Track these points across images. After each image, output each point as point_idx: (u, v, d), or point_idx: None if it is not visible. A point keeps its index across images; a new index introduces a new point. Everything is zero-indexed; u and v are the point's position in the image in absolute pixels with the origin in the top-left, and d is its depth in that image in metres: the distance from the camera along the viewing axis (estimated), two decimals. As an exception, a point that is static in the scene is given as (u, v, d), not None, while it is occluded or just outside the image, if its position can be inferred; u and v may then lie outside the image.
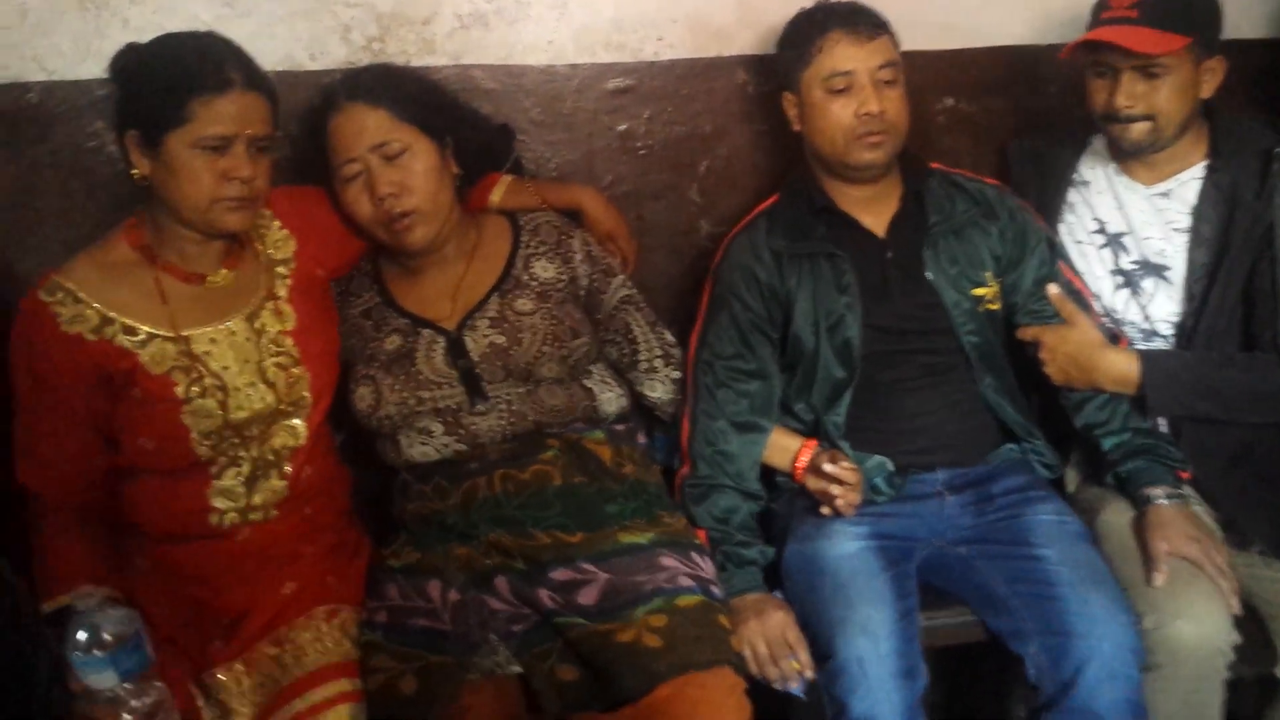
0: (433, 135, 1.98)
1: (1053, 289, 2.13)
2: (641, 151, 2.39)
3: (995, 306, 2.14)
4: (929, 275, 2.11)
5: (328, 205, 2.01)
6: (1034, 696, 1.87)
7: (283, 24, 2.17)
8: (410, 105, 1.96)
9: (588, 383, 2.05)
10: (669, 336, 2.17)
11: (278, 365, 1.89)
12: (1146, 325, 2.16)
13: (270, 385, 1.87)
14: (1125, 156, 2.18)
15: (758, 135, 2.42)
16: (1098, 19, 2.10)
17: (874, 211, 2.16)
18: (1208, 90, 2.11)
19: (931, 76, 2.43)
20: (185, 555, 1.87)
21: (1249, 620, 1.93)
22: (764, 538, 2.06)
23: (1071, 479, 2.25)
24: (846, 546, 1.96)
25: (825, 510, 2.02)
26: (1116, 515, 2.05)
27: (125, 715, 1.53)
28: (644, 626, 1.76)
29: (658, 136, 2.39)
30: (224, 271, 1.89)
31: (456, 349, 1.98)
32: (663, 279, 2.41)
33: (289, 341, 1.90)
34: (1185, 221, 2.13)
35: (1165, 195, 2.16)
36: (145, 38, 1.84)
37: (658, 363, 2.14)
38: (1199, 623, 1.84)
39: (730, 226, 2.28)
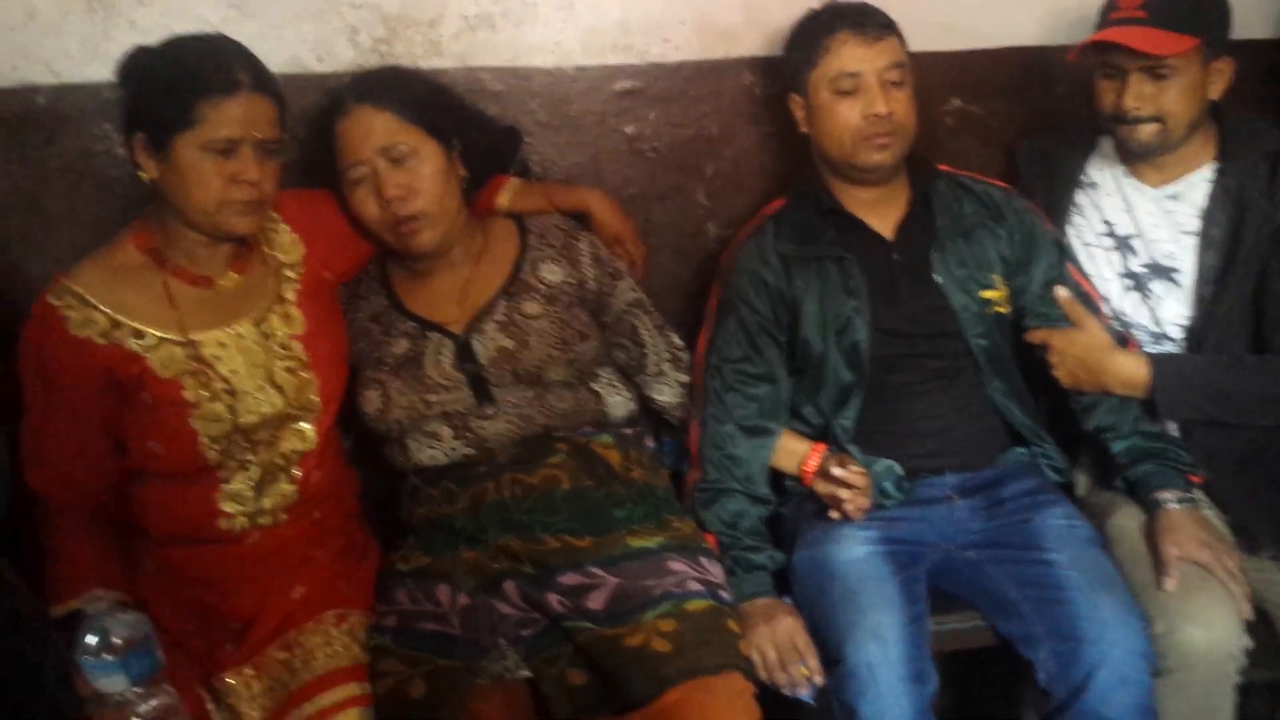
0: (440, 138, 1.97)
1: (1061, 292, 2.12)
2: (648, 154, 2.38)
3: (1004, 309, 2.14)
4: (937, 278, 2.10)
5: (335, 208, 2.01)
6: (1044, 701, 1.87)
7: (290, 26, 2.17)
8: (417, 108, 1.96)
9: (596, 386, 2.05)
10: (677, 340, 2.17)
11: (286, 369, 1.88)
12: (1156, 328, 2.15)
13: (279, 389, 1.87)
14: (1133, 158, 2.17)
15: (765, 137, 2.42)
16: (1106, 20, 2.09)
17: (881, 214, 2.16)
18: (1216, 91, 2.10)
19: (939, 77, 2.42)
20: (194, 559, 1.87)
21: (1260, 625, 1.92)
22: (773, 542, 2.06)
23: (1081, 483, 2.24)
24: (855, 551, 1.96)
25: (834, 514, 2.01)
26: (1127, 519, 2.05)
27: (134, 719, 1.53)
28: (653, 631, 1.76)
29: (665, 138, 2.38)
30: (232, 275, 1.89)
31: (464, 353, 1.97)
32: (670, 281, 2.40)
33: (297, 345, 1.90)
34: (1194, 224, 2.13)
35: (1174, 197, 2.15)
36: (153, 40, 1.84)
37: (666, 366, 2.14)
38: (1210, 627, 1.84)
39: (737, 229, 2.29)
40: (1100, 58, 2.09)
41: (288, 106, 1.87)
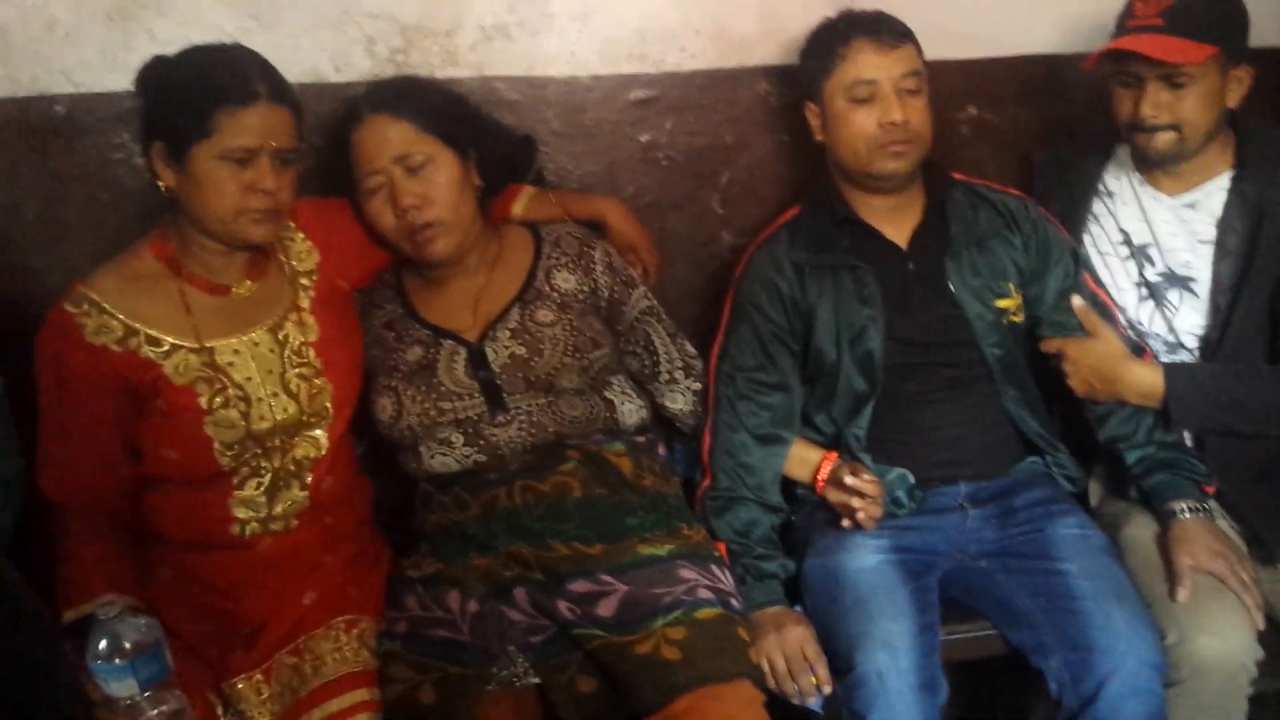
0: (455, 147, 1.99)
1: (1076, 301, 2.11)
2: (663, 162, 2.39)
3: (1018, 318, 2.13)
4: (951, 287, 2.10)
5: (351, 217, 2.02)
6: (1055, 711, 1.86)
7: (308, 36, 2.19)
8: (433, 117, 1.97)
9: (608, 394, 2.05)
10: (690, 348, 2.17)
11: (300, 376, 1.90)
12: (1171, 338, 2.14)
13: (293, 396, 1.88)
14: (1150, 167, 2.16)
15: (780, 146, 2.42)
16: (1123, 28, 2.08)
17: (896, 222, 2.15)
18: (1234, 100, 2.09)
19: (955, 86, 2.42)
20: (206, 565, 1.88)
21: (1273, 635, 1.91)
22: (784, 550, 2.06)
23: (1095, 492, 2.23)
24: (867, 560, 1.95)
25: (846, 523, 2.01)
26: (1140, 529, 2.04)
27: (143, 723, 1.55)
28: (662, 638, 1.76)
29: (680, 147, 2.39)
30: (248, 283, 1.90)
31: (477, 360, 1.98)
32: (684, 290, 2.41)
33: (312, 353, 1.91)
34: (1211, 233, 2.11)
35: (1191, 206, 2.14)
36: (171, 50, 1.85)
37: (678, 374, 2.14)
38: (1223, 638, 1.82)
39: (752, 237, 2.28)
40: (1117, 66, 2.08)
41: (305, 116, 1.88)
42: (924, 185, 2.18)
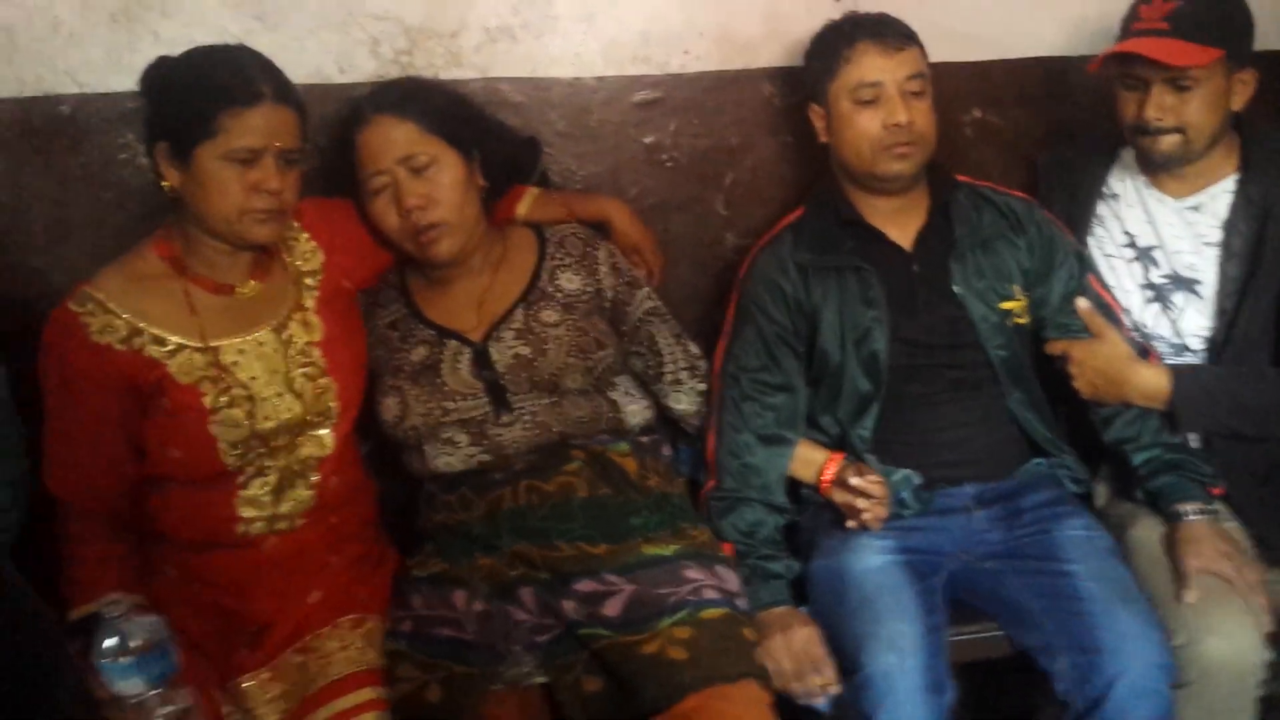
0: (460, 148, 1.99)
1: (1081, 303, 2.11)
2: (668, 164, 2.39)
3: (1023, 320, 2.13)
4: (956, 289, 2.10)
5: (356, 217, 2.02)
6: (1062, 713, 1.85)
7: (312, 37, 2.19)
8: (437, 118, 1.97)
9: (613, 394, 2.05)
10: (694, 349, 2.17)
11: (305, 376, 1.89)
12: (1177, 340, 2.14)
13: (297, 395, 1.88)
14: (1155, 169, 2.17)
15: (784, 147, 2.42)
16: (1128, 30, 2.08)
17: (900, 224, 2.15)
18: (1239, 103, 2.09)
19: (959, 88, 2.43)
20: (212, 564, 1.88)
21: (1281, 637, 1.90)
22: (790, 551, 2.05)
23: (1101, 494, 2.22)
24: (873, 560, 1.95)
25: (851, 524, 2.01)
26: (1147, 531, 2.03)
27: (151, 722, 1.55)
28: (669, 639, 1.76)
29: (684, 149, 2.39)
30: (252, 283, 1.90)
31: (482, 360, 1.98)
32: (688, 291, 2.40)
33: (316, 352, 1.91)
34: (1216, 235, 2.11)
35: (1196, 209, 2.14)
36: (176, 51, 1.85)
37: (683, 375, 2.14)
38: (1230, 640, 1.82)
39: (756, 239, 2.28)
40: (1122, 68, 2.08)
41: (309, 117, 1.88)
42: (928, 187, 2.18)
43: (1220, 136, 2.10)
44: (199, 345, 1.84)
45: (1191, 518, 1.97)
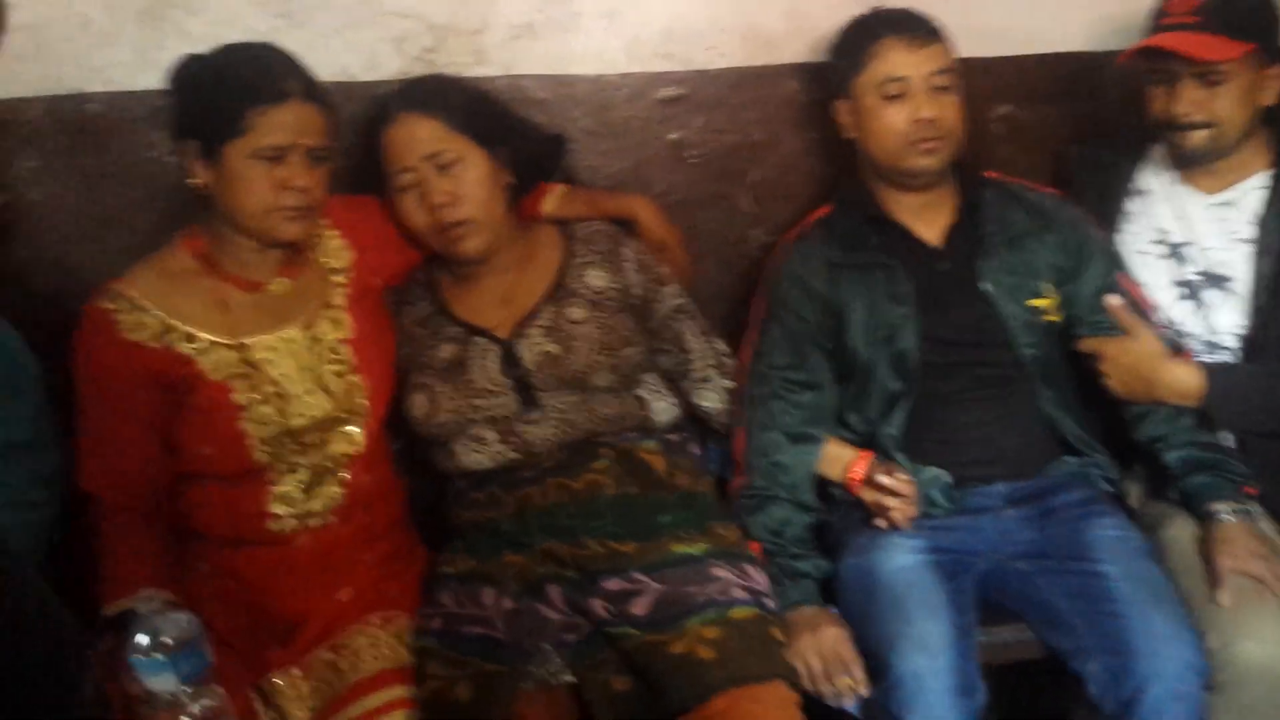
0: (485, 145, 1.99)
1: (1113, 300, 2.09)
2: (692, 160, 2.38)
3: (1054, 318, 2.11)
4: (985, 286, 2.08)
5: (383, 215, 2.02)
6: (1094, 716, 1.83)
7: (338, 35, 2.19)
8: (463, 115, 1.98)
9: (640, 392, 2.05)
10: (722, 346, 2.16)
11: (334, 373, 1.90)
12: (1210, 337, 2.12)
13: (328, 392, 1.89)
14: (1185, 165, 2.15)
15: (809, 144, 2.41)
16: (1157, 25, 2.07)
17: (928, 221, 2.14)
18: (1270, 97, 2.07)
19: (987, 83, 2.41)
20: (244, 561, 1.88)
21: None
22: (819, 551, 2.04)
23: (1133, 493, 2.20)
24: (903, 560, 1.94)
25: (880, 523, 2.00)
26: (1180, 531, 2.01)
27: (184, 718, 1.54)
28: (697, 638, 1.75)
29: (709, 145, 2.38)
30: (282, 280, 1.91)
31: (510, 358, 1.98)
32: (714, 288, 2.39)
33: (346, 349, 1.92)
34: (1248, 231, 2.10)
35: (1227, 204, 2.13)
36: (204, 49, 1.86)
37: (711, 372, 2.13)
38: (1264, 642, 1.79)
39: (782, 235, 2.27)
40: (1151, 63, 2.07)
41: (336, 114, 1.88)
42: (957, 184, 2.17)
43: (1251, 131, 2.08)
44: (229, 342, 1.84)
45: (1225, 518, 1.95)
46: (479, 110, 2.03)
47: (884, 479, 1.98)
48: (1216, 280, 2.11)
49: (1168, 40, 2.01)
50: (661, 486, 1.98)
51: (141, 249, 1.94)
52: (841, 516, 2.09)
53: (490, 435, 1.96)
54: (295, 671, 1.83)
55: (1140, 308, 2.12)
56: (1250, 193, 2.11)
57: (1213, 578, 1.88)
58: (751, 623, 1.79)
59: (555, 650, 1.85)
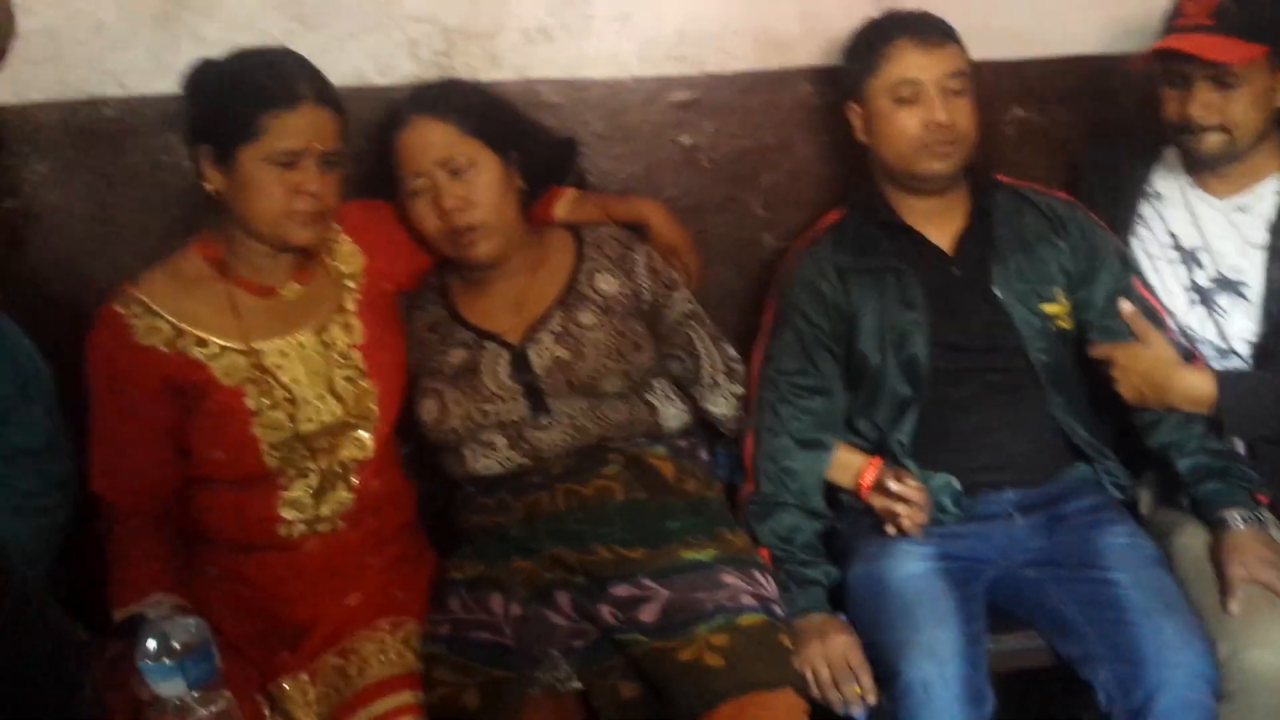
0: (498, 149, 1.99)
1: (1125, 306, 2.08)
2: (705, 164, 2.38)
3: (1065, 324, 2.10)
4: (997, 292, 2.08)
5: (395, 220, 2.03)
6: (1104, 724, 1.84)
7: (352, 40, 2.19)
8: (475, 120, 1.98)
9: (650, 397, 2.05)
10: (732, 351, 2.16)
11: (346, 378, 1.91)
12: (1222, 343, 2.11)
13: (338, 398, 1.89)
14: (1199, 168, 2.14)
15: (822, 148, 2.40)
16: (1171, 27, 2.06)
17: (940, 225, 2.14)
18: (1284, 101, 2.06)
19: (1000, 86, 2.40)
20: (253, 565, 1.89)
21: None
22: (828, 557, 2.04)
23: (1145, 500, 2.19)
24: (912, 567, 1.93)
25: (890, 530, 1.99)
26: (1191, 539, 2.00)
27: (192, 723, 1.56)
28: (705, 645, 1.75)
29: (721, 149, 2.38)
30: (294, 285, 1.92)
31: (520, 363, 1.98)
32: (725, 293, 2.39)
33: (357, 355, 1.92)
34: (1262, 236, 2.09)
35: (1241, 209, 2.12)
36: (218, 53, 1.86)
37: (720, 378, 2.13)
38: (1275, 651, 1.78)
39: (794, 240, 2.27)
40: (1165, 66, 2.06)
41: (349, 119, 1.89)
42: (968, 188, 2.16)
43: (1266, 135, 2.07)
44: (241, 347, 1.85)
45: (1237, 525, 1.94)
46: (491, 115, 2.03)
47: (894, 485, 1.98)
48: (1230, 285, 2.10)
49: (1182, 42, 2.00)
50: (671, 492, 1.98)
51: (154, 253, 1.95)
52: (850, 523, 2.09)
53: (500, 440, 1.97)
54: (303, 676, 1.83)
55: (1153, 313, 2.11)
56: (1265, 197, 2.10)
57: (1224, 586, 1.88)
58: (760, 630, 1.79)
59: (563, 656, 1.85)
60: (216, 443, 1.84)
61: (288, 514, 1.88)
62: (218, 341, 1.84)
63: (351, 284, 1.97)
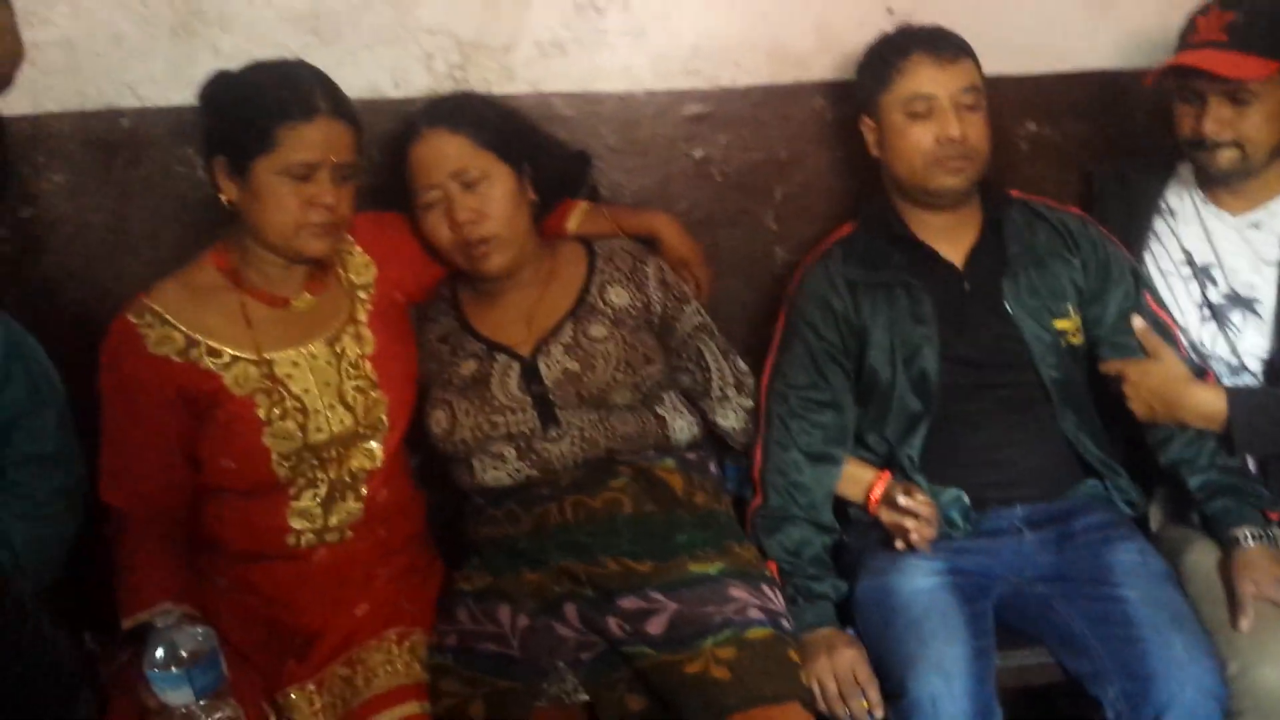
0: (511, 162, 2.00)
1: (1137, 322, 2.08)
2: (717, 178, 2.38)
3: (1077, 340, 2.10)
4: (1008, 307, 2.08)
5: (408, 231, 2.04)
6: (1113, 741, 1.82)
7: (367, 52, 2.21)
8: (489, 132, 1.99)
9: (660, 410, 2.05)
10: (742, 365, 2.16)
11: (356, 388, 1.91)
12: (1235, 360, 2.10)
13: (349, 408, 1.90)
14: (1213, 184, 2.13)
15: (834, 162, 2.40)
16: (1185, 43, 2.06)
17: (952, 240, 2.14)
18: (1300, 118, 2.05)
19: (1014, 101, 2.40)
20: (262, 574, 1.90)
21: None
22: (836, 571, 2.04)
23: (1155, 517, 2.18)
24: (921, 582, 1.93)
25: (899, 544, 1.99)
26: (1202, 556, 1.99)
27: (200, 732, 1.57)
28: (712, 658, 1.75)
29: (734, 163, 2.38)
30: (307, 295, 1.93)
31: (530, 375, 1.99)
32: (737, 306, 2.40)
33: (368, 365, 1.93)
34: (1275, 253, 2.08)
35: (1255, 226, 2.11)
36: (235, 65, 1.88)
37: (730, 391, 2.13)
38: (1285, 669, 1.78)
39: (806, 254, 2.27)
40: (1179, 82, 2.06)
41: (364, 131, 1.90)
42: (981, 203, 2.16)
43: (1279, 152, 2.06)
44: (254, 357, 1.86)
45: (1248, 543, 1.93)
46: (505, 128, 2.04)
47: (903, 500, 1.97)
48: (1243, 303, 2.10)
49: (1196, 58, 2.00)
50: (679, 505, 1.98)
51: (169, 264, 1.97)
52: (859, 537, 2.09)
53: (509, 452, 1.97)
54: (310, 686, 1.84)
55: (1164, 329, 2.10)
56: (1278, 214, 2.09)
57: (1234, 603, 1.87)
58: (767, 643, 1.79)
59: (570, 668, 1.86)
60: (227, 452, 1.85)
61: (297, 524, 1.88)
62: (230, 351, 1.85)
63: (364, 295, 1.98)
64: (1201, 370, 2.08)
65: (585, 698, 1.85)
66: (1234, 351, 2.10)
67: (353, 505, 1.92)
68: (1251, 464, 2.07)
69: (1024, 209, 2.17)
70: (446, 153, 1.97)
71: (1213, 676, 1.77)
